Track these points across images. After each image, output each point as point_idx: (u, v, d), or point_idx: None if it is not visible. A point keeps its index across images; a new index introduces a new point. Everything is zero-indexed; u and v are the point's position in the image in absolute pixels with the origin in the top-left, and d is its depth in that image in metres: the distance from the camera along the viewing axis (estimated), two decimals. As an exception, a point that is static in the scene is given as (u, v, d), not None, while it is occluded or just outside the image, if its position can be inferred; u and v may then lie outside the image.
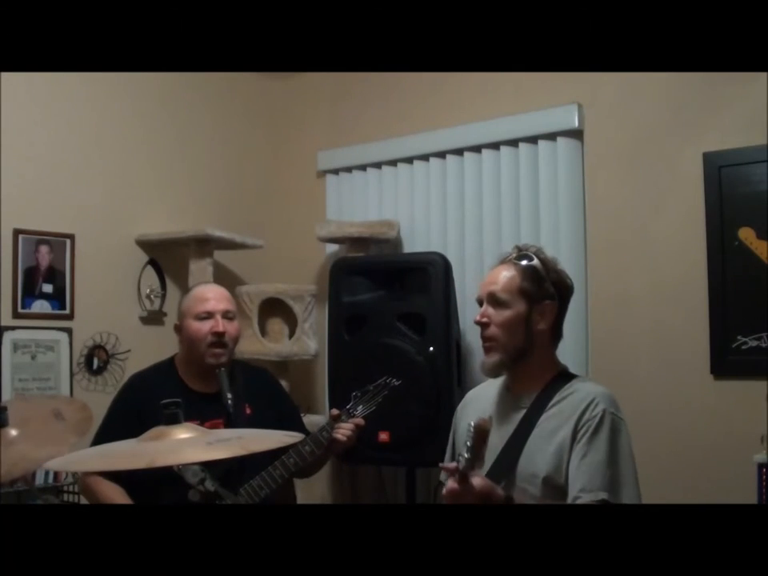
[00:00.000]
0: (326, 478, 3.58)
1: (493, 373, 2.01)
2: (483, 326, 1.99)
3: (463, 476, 1.70)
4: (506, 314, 1.95)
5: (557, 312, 1.99)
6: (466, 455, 1.68)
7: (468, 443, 1.68)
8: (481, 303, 2.01)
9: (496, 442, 1.91)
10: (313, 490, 3.39)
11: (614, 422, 1.85)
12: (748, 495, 2.52)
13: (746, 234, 2.83)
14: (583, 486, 1.79)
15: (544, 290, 1.96)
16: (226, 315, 2.51)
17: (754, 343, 2.79)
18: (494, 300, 1.97)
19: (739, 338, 2.82)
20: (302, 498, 2.77)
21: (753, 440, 2.55)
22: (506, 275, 1.98)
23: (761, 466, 2.50)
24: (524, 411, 1.94)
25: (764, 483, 2.50)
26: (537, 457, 1.88)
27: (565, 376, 2.01)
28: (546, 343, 2.00)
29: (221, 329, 2.47)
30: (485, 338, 1.99)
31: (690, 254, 2.93)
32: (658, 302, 3.01)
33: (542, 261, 1.99)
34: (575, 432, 1.85)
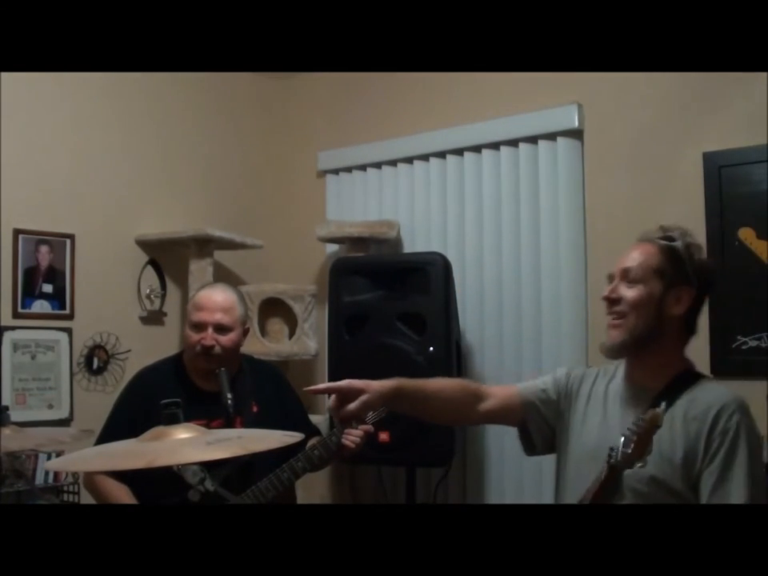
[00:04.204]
0: (326, 478, 3.58)
1: (612, 354, 1.86)
2: (611, 302, 1.85)
3: (614, 469, 1.61)
4: (638, 291, 1.81)
5: (693, 300, 1.83)
6: (625, 449, 1.58)
7: (634, 434, 1.57)
8: (611, 280, 1.87)
9: (603, 432, 1.81)
10: (313, 490, 3.39)
11: (749, 434, 1.71)
12: (748, 495, 2.52)
13: (746, 234, 2.83)
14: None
15: (683, 274, 1.81)
16: (219, 327, 2.47)
17: (754, 343, 2.79)
18: (627, 276, 1.83)
19: (739, 337, 2.82)
20: (301, 498, 2.77)
21: (753, 440, 2.54)
22: (643, 252, 1.84)
23: (761, 466, 2.50)
24: (644, 405, 1.75)
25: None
26: (655, 455, 1.67)
27: (693, 374, 1.86)
28: (676, 332, 1.85)
29: (209, 342, 2.45)
30: (611, 315, 1.85)
31: (690, 254, 2.92)
32: (658, 301, 3.00)
33: (686, 245, 1.84)
34: (708, 442, 1.70)
